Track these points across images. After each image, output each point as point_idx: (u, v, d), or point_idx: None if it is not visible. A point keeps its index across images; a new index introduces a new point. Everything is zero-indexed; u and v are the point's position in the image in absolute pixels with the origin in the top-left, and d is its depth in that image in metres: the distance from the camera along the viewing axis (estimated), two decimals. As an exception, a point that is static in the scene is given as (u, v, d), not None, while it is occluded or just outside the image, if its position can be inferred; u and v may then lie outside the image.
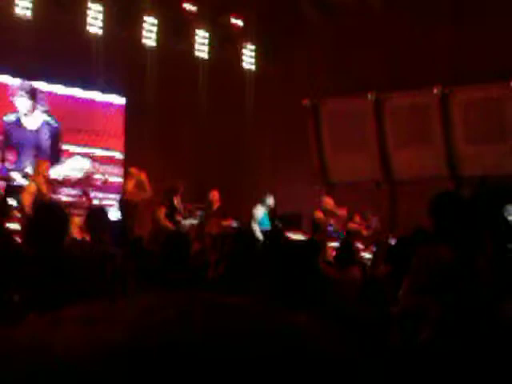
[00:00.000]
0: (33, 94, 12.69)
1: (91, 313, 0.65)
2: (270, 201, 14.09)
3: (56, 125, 13.08)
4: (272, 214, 14.22)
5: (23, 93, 12.50)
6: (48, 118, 13.19)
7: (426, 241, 4.27)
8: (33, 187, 10.92)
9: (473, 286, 3.23)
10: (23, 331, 0.64)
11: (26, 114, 12.47)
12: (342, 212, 14.51)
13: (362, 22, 17.13)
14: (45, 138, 12.83)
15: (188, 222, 13.43)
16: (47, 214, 4.82)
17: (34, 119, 12.41)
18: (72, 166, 10.84)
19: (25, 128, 12.41)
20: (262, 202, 13.93)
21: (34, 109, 12.52)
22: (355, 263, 7.57)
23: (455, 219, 3.56)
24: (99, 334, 0.63)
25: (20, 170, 11.72)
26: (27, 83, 13.32)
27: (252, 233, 6.66)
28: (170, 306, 0.66)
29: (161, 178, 14.24)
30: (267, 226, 13.56)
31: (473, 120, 16.35)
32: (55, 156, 13.13)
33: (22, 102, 12.58)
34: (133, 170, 13.43)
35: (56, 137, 12.92)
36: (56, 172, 10.81)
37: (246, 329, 0.65)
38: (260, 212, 13.84)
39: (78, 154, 14.54)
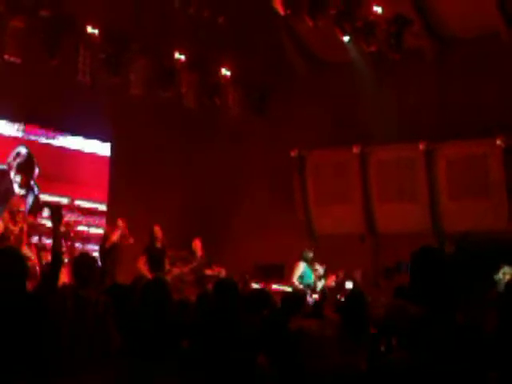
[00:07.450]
0: (30, 168, 12.88)
1: None
2: (311, 255, 13.83)
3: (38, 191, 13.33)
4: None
5: (18, 165, 12.70)
6: (35, 188, 13.40)
7: (403, 297, 4.24)
8: None
9: (443, 343, 3.18)
10: None
11: (19, 187, 12.70)
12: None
13: (349, 77, 17.26)
14: (28, 202, 13.03)
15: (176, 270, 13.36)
16: None
17: (24, 191, 12.62)
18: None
19: (13, 190, 12.60)
20: (303, 257, 13.71)
21: (25, 185, 12.74)
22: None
23: (429, 278, 3.53)
24: None
25: None
26: (23, 153, 13.46)
27: (234, 283, 6.62)
28: None
29: (145, 227, 14.13)
30: (311, 280, 13.39)
31: (457, 176, 16.39)
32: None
33: (17, 177, 12.83)
34: (120, 223, 13.46)
35: (37, 200, 13.13)
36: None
37: None
38: (300, 268, 13.62)
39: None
